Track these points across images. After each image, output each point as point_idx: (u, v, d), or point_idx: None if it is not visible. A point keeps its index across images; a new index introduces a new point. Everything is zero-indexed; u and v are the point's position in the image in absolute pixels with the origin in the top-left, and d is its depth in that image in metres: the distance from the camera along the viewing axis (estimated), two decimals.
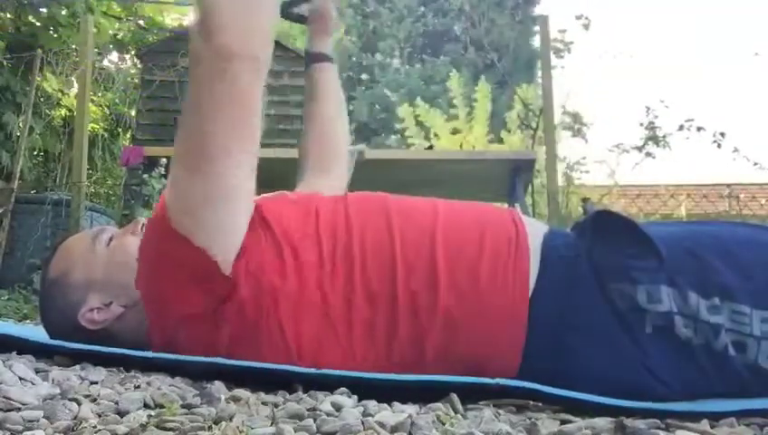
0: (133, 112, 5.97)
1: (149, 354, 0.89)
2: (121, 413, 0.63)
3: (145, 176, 3.50)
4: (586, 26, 5.38)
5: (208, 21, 0.93)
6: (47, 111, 5.56)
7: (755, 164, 5.45)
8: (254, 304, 0.92)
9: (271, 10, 1.01)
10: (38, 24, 4.96)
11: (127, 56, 6.30)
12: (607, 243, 0.94)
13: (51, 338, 1.03)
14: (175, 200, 0.95)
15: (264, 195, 1.08)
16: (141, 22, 6.02)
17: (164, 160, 3.44)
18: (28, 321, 2.67)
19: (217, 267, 0.91)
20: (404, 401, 0.72)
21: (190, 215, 0.93)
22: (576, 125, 5.17)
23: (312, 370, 0.82)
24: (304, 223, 0.98)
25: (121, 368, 0.83)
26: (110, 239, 1.06)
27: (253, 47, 0.95)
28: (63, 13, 4.81)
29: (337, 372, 0.82)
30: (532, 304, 0.92)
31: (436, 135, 6.93)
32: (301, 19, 1.35)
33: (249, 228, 0.95)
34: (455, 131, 6.90)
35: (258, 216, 0.97)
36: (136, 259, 0.99)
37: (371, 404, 0.69)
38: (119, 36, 6.18)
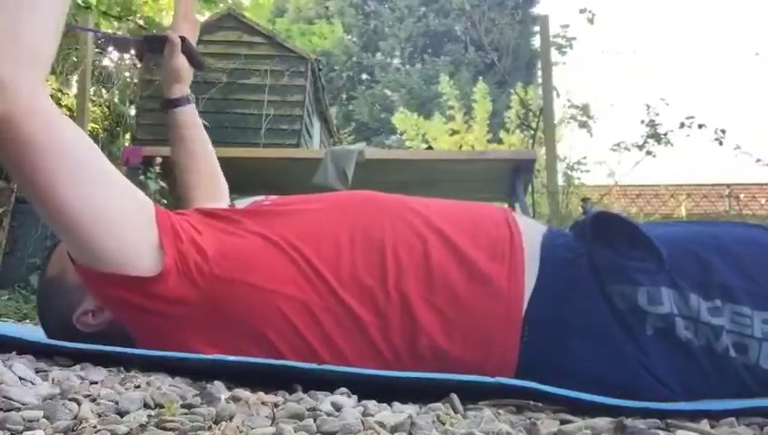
0: (133, 112, 5.96)
1: (150, 353, 0.89)
2: (121, 413, 0.63)
3: (142, 177, 3.50)
4: (590, 20, 5.34)
5: None
6: None
7: (758, 160, 5.44)
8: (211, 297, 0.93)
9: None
10: None
11: (126, 56, 6.29)
12: (607, 244, 0.94)
13: (48, 338, 1.03)
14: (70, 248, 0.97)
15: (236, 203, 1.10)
16: (141, 22, 6.01)
17: (158, 160, 3.44)
18: (28, 321, 2.67)
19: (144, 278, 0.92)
20: (404, 401, 0.72)
21: (85, 253, 0.94)
22: (583, 117, 5.15)
23: (314, 365, 0.82)
24: (287, 223, 0.99)
25: (121, 368, 0.83)
26: None
27: None
28: None
29: (337, 368, 0.82)
30: (532, 305, 0.92)
31: (434, 139, 6.94)
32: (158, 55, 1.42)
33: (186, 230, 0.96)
34: (453, 133, 6.91)
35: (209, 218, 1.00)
36: None
37: (371, 404, 0.69)
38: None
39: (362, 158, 3.60)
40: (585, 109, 5.22)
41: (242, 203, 1.10)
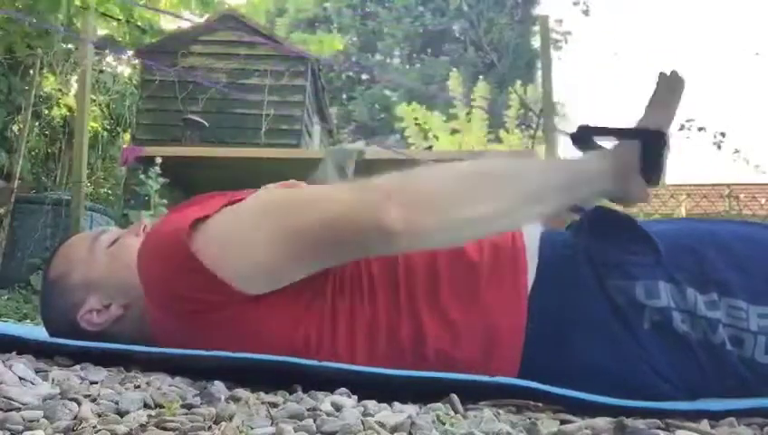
0: (133, 112, 5.96)
1: (149, 350, 0.89)
2: (121, 413, 0.63)
3: (142, 176, 3.51)
4: (585, 12, 5.33)
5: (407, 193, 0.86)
6: (45, 111, 5.56)
7: (757, 166, 5.45)
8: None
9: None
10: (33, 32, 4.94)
11: (124, 56, 6.30)
12: (605, 239, 0.95)
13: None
14: (232, 242, 0.90)
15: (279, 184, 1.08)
16: (139, 23, 6.01)
17: (158, 159, 3.44)
18: (28, 321, 2.68)
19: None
20: (404, 401, 0.72)
21: (240, 260, 0.89)
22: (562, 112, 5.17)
23: (314, 362, 0.82)
24: None
25: (121, 368, 0.83)
26: (113, 241, 1.06)
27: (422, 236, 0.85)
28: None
29: (338, 365, 0.82)
30: (532, 302, 0.92)
31: (435, 136, 6.92)
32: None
33: None
34: (454, 132, 6.90)
35: None
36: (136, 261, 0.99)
37: (371, 404, 0.69)
38: (117, 38, 6.18)
39: (362, 158, 3.60)
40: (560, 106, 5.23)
41: (272, 186, 1.09)
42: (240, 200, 0.98)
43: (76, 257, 1.06)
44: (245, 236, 0.90)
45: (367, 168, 3.53)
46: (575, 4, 5.30)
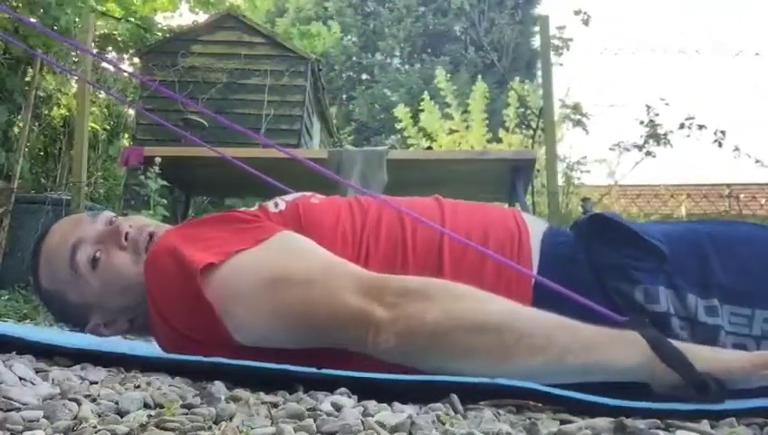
0: (132, 112, 5.96)
1: (149, 354, 0.89)
2: (121, 413, 0.63)
3: (142, 177, 3.50)
4: (585, 22, 5.33)
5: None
6: (45, 111, 5.55)
7: (757, 161, 5.45)
8: None
9: None
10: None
11: (125, 55, 6.28)
12: (607, 242, 0.94)
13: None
14: (244, 301, 0.91)
15: (291, 196, 1.09)
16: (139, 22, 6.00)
17: (158, 160, 3.43)
18: (28, 321, 2.68)
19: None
20: (404, 401, 0.72)
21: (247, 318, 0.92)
22: (576, 116, 5.16)
23: (312, 369, 0.82)
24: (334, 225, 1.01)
25: (121, 368, 0.83)
26: (94, 258, 1.03)
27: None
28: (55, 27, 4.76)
29: (337, 372, 0.82)
30: (532, 302, 0.92)
31: (432, 138, 6.91)
32: None
33: None
34: (451, 132, 6.89)
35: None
36: (133, 279, 1.01)
37: (371, 404, 0.69)
38: (118, 38, 6.17)
39: (386, 157, 3.60)
40: (577, 107, 5.23)
41: (288, 198, 1.10)
42: (244, 225, 1.00)
43: (62, 280, 1.05)
44: (250, 300, 0.92)
45: (391, 168, 3.52)
46: (576, 13, 5.27)
